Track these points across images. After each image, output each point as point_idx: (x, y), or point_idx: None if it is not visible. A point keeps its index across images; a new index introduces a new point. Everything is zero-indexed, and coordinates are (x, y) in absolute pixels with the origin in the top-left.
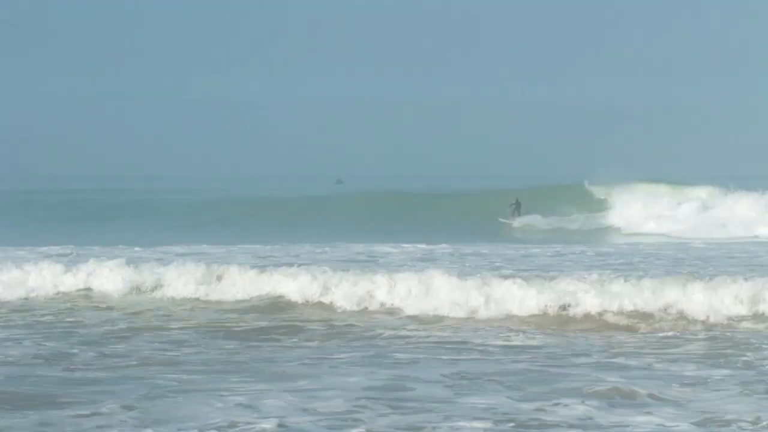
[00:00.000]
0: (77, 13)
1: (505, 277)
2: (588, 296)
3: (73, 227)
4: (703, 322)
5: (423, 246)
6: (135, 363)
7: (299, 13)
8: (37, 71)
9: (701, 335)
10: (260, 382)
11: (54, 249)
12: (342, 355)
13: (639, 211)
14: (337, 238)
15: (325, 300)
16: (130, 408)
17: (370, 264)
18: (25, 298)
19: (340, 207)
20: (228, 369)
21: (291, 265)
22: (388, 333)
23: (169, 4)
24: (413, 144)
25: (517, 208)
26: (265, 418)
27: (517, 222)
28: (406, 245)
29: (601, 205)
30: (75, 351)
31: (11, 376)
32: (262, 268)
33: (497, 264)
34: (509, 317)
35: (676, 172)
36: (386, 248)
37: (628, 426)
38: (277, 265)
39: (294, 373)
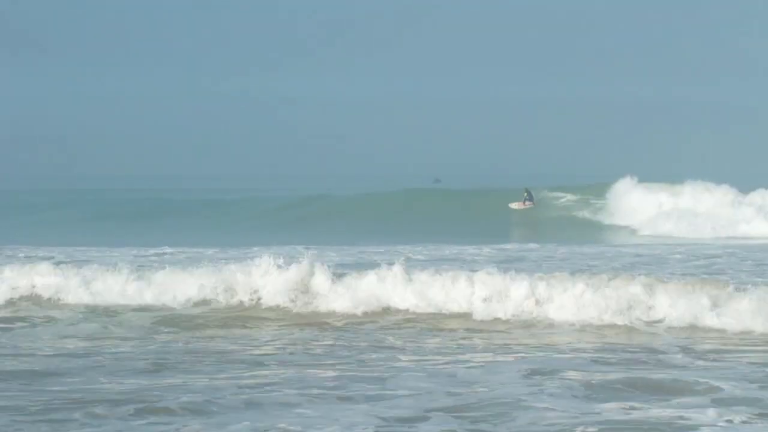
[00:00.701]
0: (112, 12)
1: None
2: None
3: (148, 228)
4: None
5: (510, 246)
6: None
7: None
8: (71, 70)
9: None
10: (333, 385)
11: (163, 250)
12: (437, 357)
13: (702, 210)
14: (429, 239)
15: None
16: (197, 411)
17: (456, 264)
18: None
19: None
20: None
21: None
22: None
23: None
24: (503, 142)
25: (529, 198)
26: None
27: (522, 205)
28: (502, 245)
29: (653, 206)
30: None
31: (102, 376)
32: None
33: (593, 263)
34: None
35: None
36: (471, 249)
37: (704, 426)
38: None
39: (368, 377)
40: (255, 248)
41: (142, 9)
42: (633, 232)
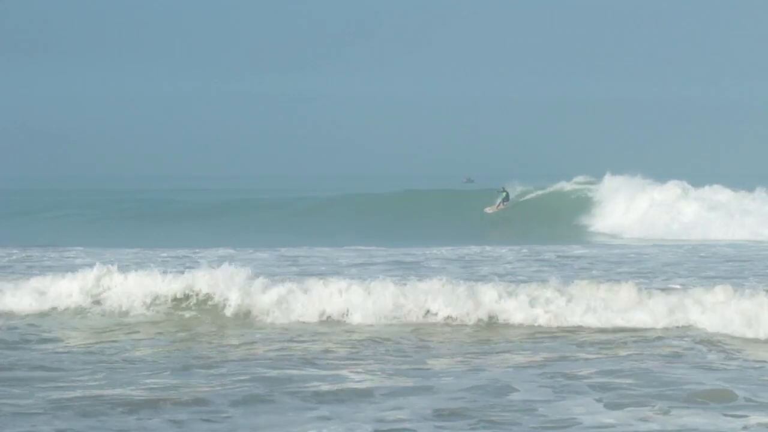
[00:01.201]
0: (130, 12)
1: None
2: None
3: (189, 228)
4: None
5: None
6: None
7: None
8: (85, 70)
9: None
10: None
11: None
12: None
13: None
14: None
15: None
16: (219, 413)
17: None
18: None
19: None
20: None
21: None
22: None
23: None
24: (530, 141)
25: (506, 199)
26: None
27: (495, 209)
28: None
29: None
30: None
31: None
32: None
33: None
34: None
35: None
36: (503, 250)
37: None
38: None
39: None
40: (283, 248)
41: (159, 9)
42: (644, 232)
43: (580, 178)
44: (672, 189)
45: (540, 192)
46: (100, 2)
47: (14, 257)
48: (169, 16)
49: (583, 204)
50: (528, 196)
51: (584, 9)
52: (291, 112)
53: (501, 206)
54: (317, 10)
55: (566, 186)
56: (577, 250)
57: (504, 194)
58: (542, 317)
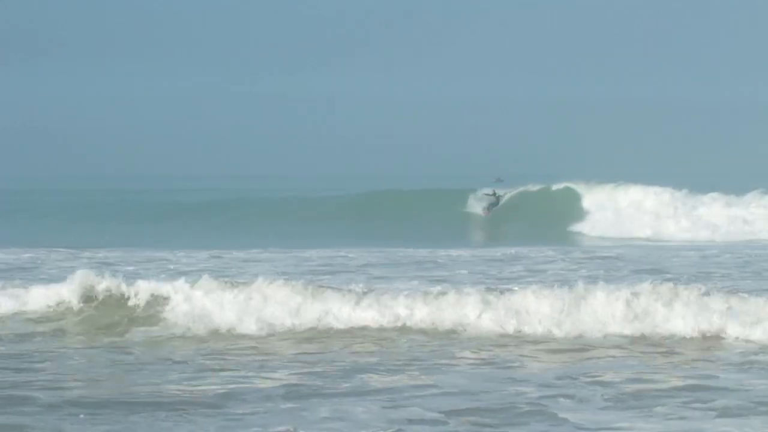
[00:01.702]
0: (136, 14)
1: None
2: None
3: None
4: None
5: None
6: None
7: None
8: (91, 70)
9: None
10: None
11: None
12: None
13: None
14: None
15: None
16: (232, 414)
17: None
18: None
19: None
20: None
21: None
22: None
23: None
24: (539, 142)
25: (496, 203)
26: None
27: (488, 214)
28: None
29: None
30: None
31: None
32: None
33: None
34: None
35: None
36: (549, 251)
37: None
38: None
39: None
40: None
41: (160, 9)
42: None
43: (575, 178)
44: (668, 191)
45: (534, 191)
46: (101, 3)
47: (39, 258)
48: (171, 16)
49: (576, 204)
50: (516, 192)
51: (585, 9)
52: (292, 112)
53: (488, 213)
54: (319, 11)
55: (560, 185)
56: (589, 251)
57: (495, 198)
58: None
